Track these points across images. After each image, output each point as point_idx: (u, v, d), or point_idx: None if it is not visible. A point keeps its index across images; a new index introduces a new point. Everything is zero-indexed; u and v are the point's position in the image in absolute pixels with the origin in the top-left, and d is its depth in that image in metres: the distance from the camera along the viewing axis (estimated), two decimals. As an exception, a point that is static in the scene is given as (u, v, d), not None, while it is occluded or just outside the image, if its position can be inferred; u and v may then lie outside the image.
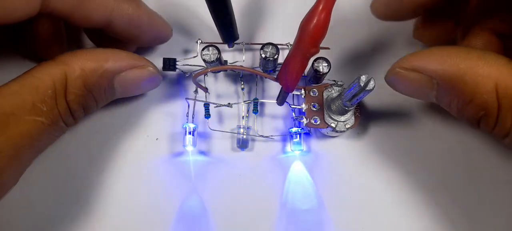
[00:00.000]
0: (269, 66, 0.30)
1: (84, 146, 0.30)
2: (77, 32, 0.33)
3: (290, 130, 0.30)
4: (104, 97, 0.27)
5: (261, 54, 0.29)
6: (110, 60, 0.26)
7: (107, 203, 0.29)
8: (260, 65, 0.31)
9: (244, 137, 0.30)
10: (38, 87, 0.23)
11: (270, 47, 0.29)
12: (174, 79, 0.33)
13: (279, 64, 0.30)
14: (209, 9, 0.30)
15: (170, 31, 0.31)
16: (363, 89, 0.24)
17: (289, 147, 0.30)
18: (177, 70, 0.31)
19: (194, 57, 0.31)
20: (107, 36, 0.28)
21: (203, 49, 0.29)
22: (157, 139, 0.31)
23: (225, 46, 0.32)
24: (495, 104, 0.21)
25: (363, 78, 0.24)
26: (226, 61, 0.32)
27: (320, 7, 0.22)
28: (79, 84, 0.24)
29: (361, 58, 0.33)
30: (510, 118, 0.21)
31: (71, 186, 0.30)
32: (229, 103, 0.30)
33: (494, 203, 0.30)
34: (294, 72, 0.25)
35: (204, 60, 0.29)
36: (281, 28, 0.34)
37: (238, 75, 0.32)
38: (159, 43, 0.30)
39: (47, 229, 0.29)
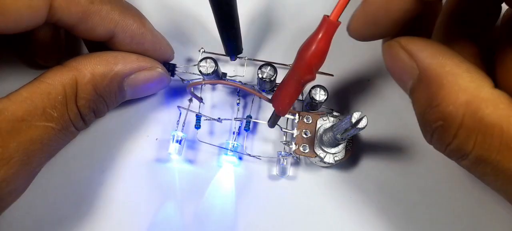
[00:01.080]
0: (266, 86, 0.29)
1: (84, 146, 0.31)
2: (76, 38, 0.33)
3: (280, 153, 0.30)
4: (114, 100, 0.27)
5: (258, 74, 0.28)
6: (120, 63, 0.26)
7: (107, 203, 0.30)
8: (257, 84, 0.30)
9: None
10: (49, 94, 0.23)
11: (268, 68, 0.28)
12: (174, 81, 0.32)
13: (277, 84, 0.30)
14: (215, 21, 0.29)
15: (172, 53, 0.30)
16: (354, 126, 0.23)
17: (275, 170, 0.30)
18: (175, 76, 0.31)
19: (195, 65, 0.31)
20: (107, 48, 0.28)
21: (200, 61, 0.29)
22: (157, 139, 0.31)
23: (228, 57, 0.32)
24: (458, 119, 0.20)
25: (356, 115, 0.23)
26: (225, 73, 0.31)
27: (320, 35, 0.22)
28: (89, 89, 0.24)
29: (364, 89, 0.33)
30: (472, 141, 0.20)
31: (71, 186, 0.30)
32: (219, 118, 0.30)
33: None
34: (287, 96, 0.24)
35: (200, 72, 0.29)
36: (285, 47, 0.33)
37: (235, 90, 0.32)
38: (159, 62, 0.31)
39: (47, 229, 0.29)
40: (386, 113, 0.32)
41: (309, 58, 0.22)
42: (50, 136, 0.23)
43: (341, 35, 0.23)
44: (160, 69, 0.28)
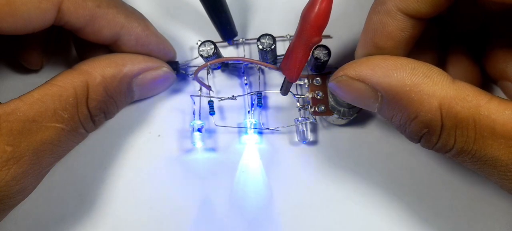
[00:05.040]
0: (268, 57, 0.30)
1: (85, 143, 0.30)
2: (66, 40, 0.33)
3: (296, 120, 0.30)
4: (124, 101, 0.28)
5: (258, 46, 0.29)
6: (128, 64, 0.27)
7: (109, 201, 0.30)
8: (260, 58, 0.31)
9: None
10: (60, 96, 0.23)
11: (266, 38, 0.29)
12: (177, 77, 0.33)
13: (280, 56, 0.31)
14: (205, 9, 0.30)
15: (174, 53, 0.31)
16: None
17: (296, 137, 0.31)
18: (180, 72, 0.32)
19: (196, 58, 0.32)
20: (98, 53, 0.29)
21: (199, 46, 0.29)
22: (159, 135, 0.31)
23: (226, 44, 0.32)
24: (439, 123, 0.21)
25: None
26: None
27: (321, -6, 0.22)
28: (100, 90, 0.25)
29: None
30: (453, 137, 0.21)
31: (73, 183, 0.30)
32: (233, 95, 0.31)
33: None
34: (297, 62, 0.25)
35: (201, 56, 0.29)
36: (279, 20, 0.34)
37: (239, 71, 0.33)
38: None
39: (49, 227, 0.29)
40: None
41: (314, 20, 0.23)
42: (60, 136, 0.24)
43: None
44: (166, 68, 0.29)
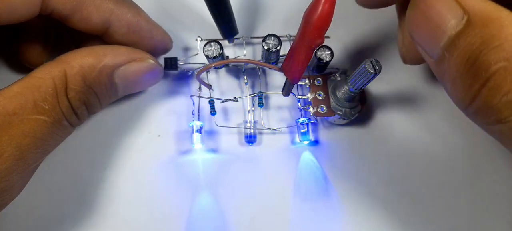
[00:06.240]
0: (272, 58, 0.30)
1: (85, 143, 0.30)
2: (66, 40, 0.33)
3: (297, 120, 0.30)
4: (106, 94, 0.27)
5: (263, 46, 0.29)
6: (109, 55, 0.26)
7: (109, 201, 0.29)
8: (262, 57, 0.31)
9: (252, 131, 0.30)
10: (40, 87, 0.23)
11: (272, 39, 0.29)
12: (176, 76, 0.32)
13: (282, 56, 0.30)
14: (207, 5, 0.30)
15: (170, 41, 0.30)
16: (369, 72, 0.24)
17: (297, 137, 0.30)
18: (179, 69, 0.31)
19: (196, 55, 0.32)
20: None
21: (205, 45, 0.29)
22: (159, 135, 0.31)
23: (225, 42, 0.32)
24: None
25: (369, 62, 0.24)
26: (227, 56, 0.32)
27: (324, -4, 0.22)
28: (78, 80, 0.24)
29: (363, 46, 0.34)
30: None
31: (73, 183, 0.30)
32: (235, 97, 0.30)
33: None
34: (300, 63, 0.25)
35: (206, 56, 0.29)
36: (279, 19, 0.34)
37: (240, 71, 0.32)
38: (159, 54, 0.31)
39: (49, 227, 0.29)
40: (389, 65, 0.33)
41: (318, 22, 0.22)
42: (43, 129, 0.23)
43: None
44: (151, 60, 0.28)
